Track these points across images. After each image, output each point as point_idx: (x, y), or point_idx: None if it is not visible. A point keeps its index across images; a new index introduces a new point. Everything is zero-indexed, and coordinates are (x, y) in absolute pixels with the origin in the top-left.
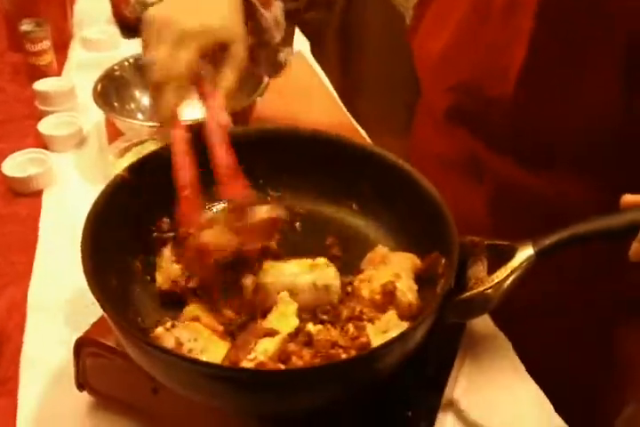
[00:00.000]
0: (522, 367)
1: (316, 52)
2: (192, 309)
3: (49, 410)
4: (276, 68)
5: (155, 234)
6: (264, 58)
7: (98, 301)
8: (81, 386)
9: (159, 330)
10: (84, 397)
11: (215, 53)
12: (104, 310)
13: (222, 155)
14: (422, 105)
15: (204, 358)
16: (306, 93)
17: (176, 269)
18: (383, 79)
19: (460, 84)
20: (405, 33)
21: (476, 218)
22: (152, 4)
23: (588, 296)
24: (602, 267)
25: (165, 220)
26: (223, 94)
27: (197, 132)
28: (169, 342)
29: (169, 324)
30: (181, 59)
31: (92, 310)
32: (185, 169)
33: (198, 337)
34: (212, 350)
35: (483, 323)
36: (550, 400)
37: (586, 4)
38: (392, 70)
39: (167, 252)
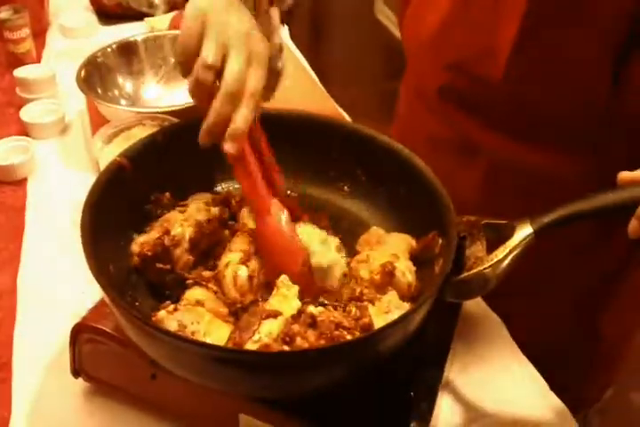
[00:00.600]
0: (516, 347)
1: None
2: (195, 293)
3: (44, 397)
4: (276, 77)
5: (150, 206)
6: None
7: (100, 285)
8: (76, 373)
9: (162, 313)
10: (80, 383)
11: None
12: (106, 295)
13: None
14: (409, 86)
15: (207, 340)
16: (290, 79)
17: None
18: (353, 64)
19: (453, 62)
20: (373, 18)
21: (469, 197)
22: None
23: (574, 273)
24: (589, 242)
25: (167, 195)
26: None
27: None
28: (171, 325)
29: (171, 307)
30: (260, 75)
31: (84, 297)
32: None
33: (200, 320)
34: (215, 332)
35: (475, 303)
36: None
37: None
38: (361, 55)
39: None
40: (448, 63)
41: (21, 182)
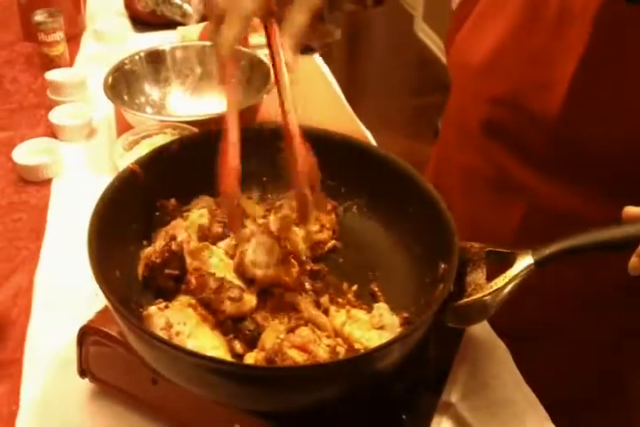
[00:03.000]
0: (519, 376)
1: (323, 53)
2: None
3: (51, 395)
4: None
5: (157, 213)
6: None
7: (102, 291)
8: (83, 373)
9: (152, 309)
10: (86, 384)
11: None
12: (108, 301)
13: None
14: (452, 115)
15: (189, 342)
16: (313, 94)
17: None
18: (388, 81)
19: (501, 96)
20: (411, 34)
21: (502, 237)
22: (163, 0)
23: (599, 328)
24: (608, 291)
25: (172, 201)
26: (291, 33)
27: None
28: (159, 321)
29: (163, 304)
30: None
31: (97, 300)
32: (233, 128)
33: (188, 322)
34: (201, 338)
35: (483, 331)
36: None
37: None
38: (397, 70)
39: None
40: (496, 95)
41: (46, 183)
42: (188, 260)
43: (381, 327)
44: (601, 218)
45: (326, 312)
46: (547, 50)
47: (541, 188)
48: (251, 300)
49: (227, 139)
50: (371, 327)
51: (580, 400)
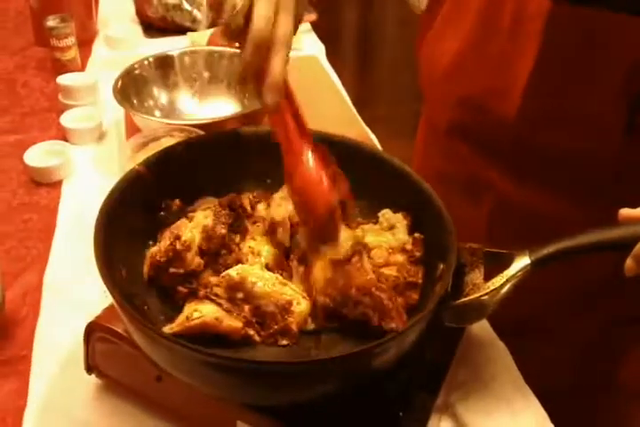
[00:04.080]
0: (520, 378)
1: (332, 56)
2: (207, 308)
3: (58, 391)
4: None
5: (162, 213)
6: None
7: (108, 289)
8: (90, 369)
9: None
10: (93, 380)
11: None
12: (113, 298)
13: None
14: (424, 119)
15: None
16: (318, 96)
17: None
18: (397, 87)
19: (464, 99)
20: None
21: (474, 235)
22: (174, 7)
23: (585, 315)
24: (604, 284)
25: (177, 201)
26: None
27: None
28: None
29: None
30: (289, 22)
31: (105, 298)
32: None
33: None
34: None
35: (483, 331)
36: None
37: (588, 29)
38: (406, 78)
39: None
40: (460, 97)
41: (56, 184)
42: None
43: (392, 228)
44: (564, 216)
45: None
46: (504, 54)
47: (507, 186)
48: None
49: None
50: (382, 231)
51: (566, 389)
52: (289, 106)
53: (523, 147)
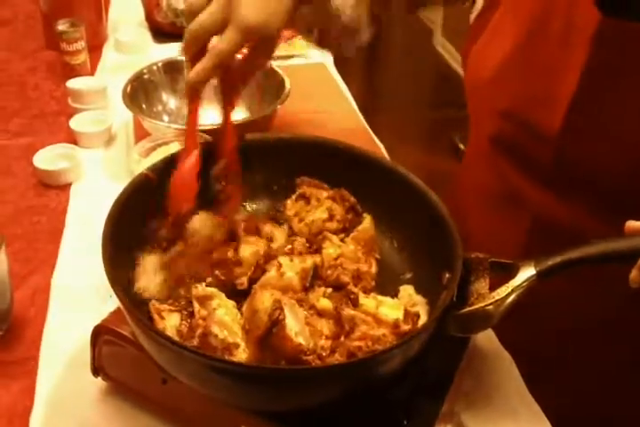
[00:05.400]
0: (524, 387)
1: (340, 64)
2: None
3: (65, 392)
4: (349, 47)
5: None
6: (335, 35)
7: (115, 292)
8: (96, 372)
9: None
10: (99, 382)
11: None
12: (120, 302)
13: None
14: (470, 130)
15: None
16: (327, 105)
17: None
18: (406, 94)
19: (508, 110)
20: (430, 48)
21: (511, 249)
22: (183, 12)
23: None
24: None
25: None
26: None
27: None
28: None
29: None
30: (234, 42)
31: (112, 300)
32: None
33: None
34: None
35: (488, 340)
36: None
37: (637, 42)
38: (415, 84)
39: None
40: (503, 109)
41: (65, 187)
42: (196, 306)
43: (413, 305)
44: (604, 234)
45: (355, 301)
46: (551, 65)
47: (546, 202)
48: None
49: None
50: (403, 307)
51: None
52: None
53: (565, 162)
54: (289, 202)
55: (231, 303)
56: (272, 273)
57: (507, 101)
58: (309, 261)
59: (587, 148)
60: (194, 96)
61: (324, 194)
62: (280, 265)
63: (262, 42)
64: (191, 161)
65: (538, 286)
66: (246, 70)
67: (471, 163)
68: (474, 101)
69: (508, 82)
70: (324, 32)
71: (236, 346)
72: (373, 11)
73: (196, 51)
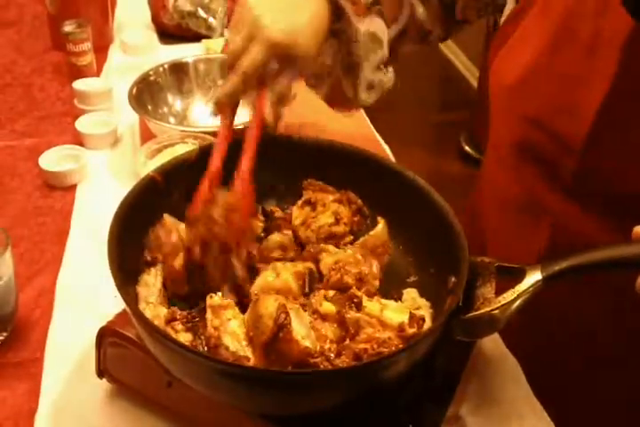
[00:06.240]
0: (530, 392)
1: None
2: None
3: (69, 394)
4: (371, 91)
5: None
6: (351, 82)
7: (120, 294)
8: (101, 373)
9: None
10: (104, 384)
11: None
12: (125, 304)
13: (246, 159)
14: (491, 135)
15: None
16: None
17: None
18: (411, 97)
19: (532, 116)
20: (436, 50)
21: (527, 258)
22: (189, 14)
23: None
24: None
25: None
26: (273, 99)
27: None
28: None
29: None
30: (254, 59)
31: (117, 302)
32: (217, 156)
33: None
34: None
35: (494, 344)
36: None
37: None
38: (420, 88)
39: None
40: (527, 115)
41: (71, 188)
42: (209, 315)
43: (418, 309)
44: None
45: (359, 304)
46: (578, 73)
47: (567, 212)
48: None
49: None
50: (407, 311)
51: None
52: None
53: (588, 173)
54: (295, 209)
55: (243, 317)
56: (268, 272)
57: (532, 108)
58: (301, 266)
59: (611, 160)
60: (222, 112)
61: (330, 197)
62: (275, 268)
63: (288, 59)
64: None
65: (544, 292)
66: (278, 89)
67: (491, 169)
68: (498, 107)
69: (534, 88)
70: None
71: (247, 359)
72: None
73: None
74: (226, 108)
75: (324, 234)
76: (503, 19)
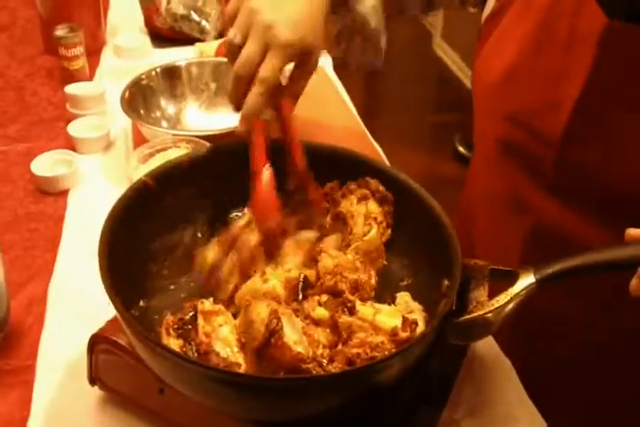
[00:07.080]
0: (524, 395)
1: (340, 68)
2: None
3: (61, 401)
4: (377, 55)
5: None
6: (359, 47)
7: (111, 301)
8: (93, 381)
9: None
10: (96, 391)
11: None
12: (116, 311)
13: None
14: (475, 133)
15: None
16: (324, 106)
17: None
18: (406, 98)
19: (513, 114)
20: (430, 51)
21: (508, 254)
22: (182, 17)
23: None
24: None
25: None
26: (294, 103)
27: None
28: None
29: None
30: (274, 66)
31: (109, 309)
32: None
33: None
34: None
35: (488, 347)
36: None
37: None
38: (414, 87)
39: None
40: (509, 113)
41: (63, 194)
42: (200, 322)
43: (410, 312)
44: (605, 242)
45: (352, 309)
46: (556, 70)
47: (548, 208)
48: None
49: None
50: (400, 315)
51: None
52: (261, 131)
53: (567, 167)
54: (326, 240)
55: (235, 323)
56: (255, 279)
57: (513, 105)
58: (295, 272)
59: (588, 154)
60: (253, 127)
61: (353, 199)
62: (264, 273)
63: (303, 57)
64: (266, 178)
65: (537, 295)
66: (295, 87)
67: (477, 168)
68: (480, 105)
69: (514, 86)
70: (350, 44)
71: (239, 366)
72: (389, 14)
73: (246, 88)
74: (255, 121)
75: (368, 245)
76: (484, 16)
